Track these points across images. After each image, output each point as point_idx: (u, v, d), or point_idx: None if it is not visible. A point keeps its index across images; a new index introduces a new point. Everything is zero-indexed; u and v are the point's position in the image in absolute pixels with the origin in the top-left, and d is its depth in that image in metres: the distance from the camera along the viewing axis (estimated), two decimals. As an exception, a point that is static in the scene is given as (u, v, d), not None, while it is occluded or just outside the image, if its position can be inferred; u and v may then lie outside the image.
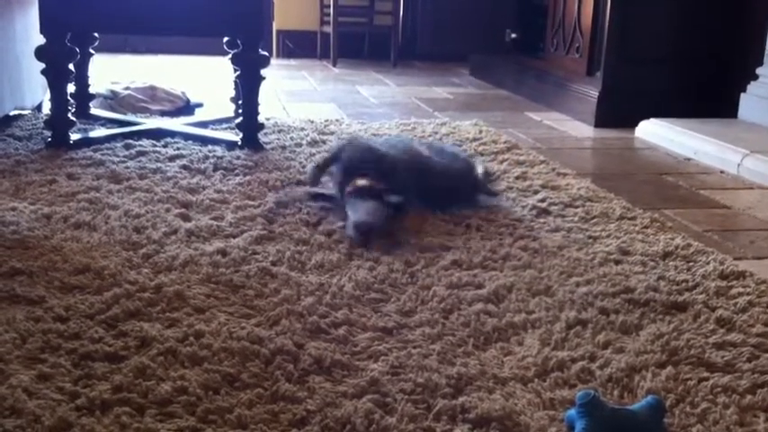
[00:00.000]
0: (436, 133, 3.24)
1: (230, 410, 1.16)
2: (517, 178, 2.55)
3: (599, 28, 3.76)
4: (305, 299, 1.54)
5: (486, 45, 5.20)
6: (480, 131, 3.31)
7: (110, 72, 4.32)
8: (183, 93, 3.61)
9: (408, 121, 3.50)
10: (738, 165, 2.89)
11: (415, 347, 1.37)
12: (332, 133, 3.14)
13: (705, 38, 3.72)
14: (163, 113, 3.37)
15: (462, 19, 5.71)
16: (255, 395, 1.20)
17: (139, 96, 3.43)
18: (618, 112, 3.65)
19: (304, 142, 2.94)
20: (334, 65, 5.61)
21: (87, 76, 3.17)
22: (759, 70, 3.48)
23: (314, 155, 2.75)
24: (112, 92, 3.44)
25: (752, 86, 3.52)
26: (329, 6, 5.59)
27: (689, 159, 3.09)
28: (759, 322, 1.52)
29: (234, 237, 1.89)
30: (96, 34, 3.11)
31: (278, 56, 6.05)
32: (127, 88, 3.51)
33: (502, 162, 2.77)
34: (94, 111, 3.21)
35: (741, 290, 1.68)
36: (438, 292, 1.60)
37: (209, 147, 2.75)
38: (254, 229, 1.94)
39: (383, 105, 4.13)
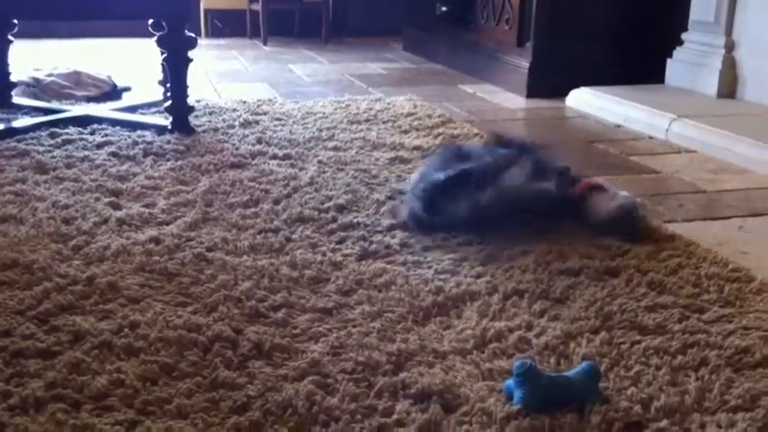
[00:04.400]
0: (371, 109, 3.22)
1: (169, 401, 1.14)
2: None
3: (527, -1, 3.79)
4: (242, 283, 1.52)
5: (418, 19, 5.19)
6: (415, 106, 3.31)
7: (31, 59, 4.18)
8: (108, 77, 3.52)
9: (342, 99, 3.48)
10: (666, 130, 2.95)
11: (354, 326, 1.37)
12: (265, 113, 3.11)
13: (633, 5, 3.78)
14: (89, 99, 3.28)
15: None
16: (194, 384, 1.19)
17: (64, 83, 3.33)
18: (549, 83, 3.69)
19: (236, 123, 2.90)
20: (265, 43, 5.53)
21: (7, 64, 3.06)
22: (684, 35, 3.55)
23: (247, 136, 2.72)
24: (35, 79, 3.33)
25: (677, 52, 3.59)
26: (257, -17, 5.51)
27: (618, 126, 3.15)
28: (688, 284, 1.56)
29: (167, 224, 1.86)
30: (15, 20, 3.00)
31: (207, 35, 5.94)
32: (50, 75, 3.40)
33: (437, 137, 2.78)
34: (17, 99, 3.11)
35: (671, 252, 1.72)
36: (377, 268, 1.60)
37: (139, 132, 2.69)
38: (187, 214, 1.91)
39: (317, 83, 4.10)
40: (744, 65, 3.30)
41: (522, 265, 1.63)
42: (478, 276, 1.58)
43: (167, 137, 2.65)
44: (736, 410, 1.14)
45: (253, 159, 2.43)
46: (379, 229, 1.86)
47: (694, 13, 3.49)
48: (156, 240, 1.73)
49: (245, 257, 1.66)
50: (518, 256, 1.68)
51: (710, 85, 3.38)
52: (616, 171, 2.51)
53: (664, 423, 1.11)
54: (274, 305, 1.44)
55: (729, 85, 3.34)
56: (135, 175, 2.22)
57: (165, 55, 2.77)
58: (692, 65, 3.50)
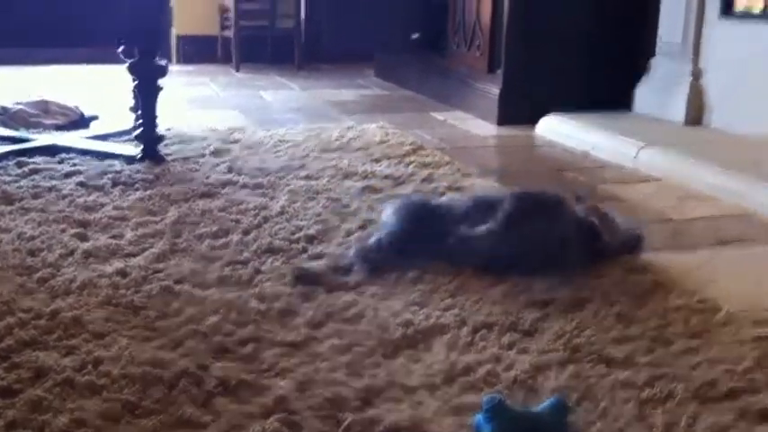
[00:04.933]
0: (342, 137, 3.23)
1: (132, 441, 1.12)
2: (423, 180, 2.57)
3: (498, 25, 3.82)
4: (209, 317, 1.51)
5: (390, 45, 5.22)
6: (386, 134, 3.32)
7: (4, 86, 4.14)
8: (76, 107, 3.48)
9: (314, 127, 3.48)
10: (634, 157, 2.99)
11: (323, 361, 1.36)
12: (236, 142, 3.10)
13: (603, 33, 3.82)
14: (57, 128, 3.25)
15: (366, 19, 5.70)
16: (158, 422, 1.17)
17: (31, 111, 3.30)
18: (519, 110, 3.71)
19: (207, 152, 2.89)
20: (237, 69, 5.53)
21: (-26, 92, 3.03)
22: (651, 62, 3.61)
23: (217, 165, 2.71)
24: (3, 107, 3.30)
25: (645, 79, 3.65)
26: (229, 10, 5.51)
27: (587, 154, 3.17)
28: (655, 315, 1.57)
29: (134, 255, 1.84)
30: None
31: (178, 61, 5.93)
32: (18, 103, 3.37)
33: (408, 165, 2.79)
34: (-16, 128, 3.08)
35: (639, 283, 1.73)
36: (347, 301, 1.60)
37: (107, 161, 2.67)
38: (155, 246, 1.89)
39: (289, 110, 4.10)
40: (711, 92, 3.35)
41: (492, 297, 1.63)
42: (447, 309, 1.58)
43: (137, 166, 2.63)
44: (703, 444, 1.14)
45: (223, 189, 2.42)
46: (350, 259, 1.85)
47: (661, 41, 3.54)
48: (123, 273, 1.71)
49: (212, 290, 1.64)
50: (488, 288, 1.68)
51: (678, 112, 3.43)
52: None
53: (631, 458, 1.11)
54: (241, 339, 1.43)
55: (696, 112, 3.39)
56: (103, 205, 2.20)
57: (136, 82, 2.75)
58: (659, 92, 3.55)
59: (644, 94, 3.65)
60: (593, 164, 3.03)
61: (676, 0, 3.41)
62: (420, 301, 1.62)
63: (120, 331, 1.45)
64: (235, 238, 1.96)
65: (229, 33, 5.59)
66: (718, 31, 3.28)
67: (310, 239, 1.97)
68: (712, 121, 3.33)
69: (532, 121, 3.63)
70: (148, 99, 2.71)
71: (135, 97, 2.97)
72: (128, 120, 3.21)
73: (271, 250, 1.89)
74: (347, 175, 2.62)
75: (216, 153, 2.89)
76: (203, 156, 2.85)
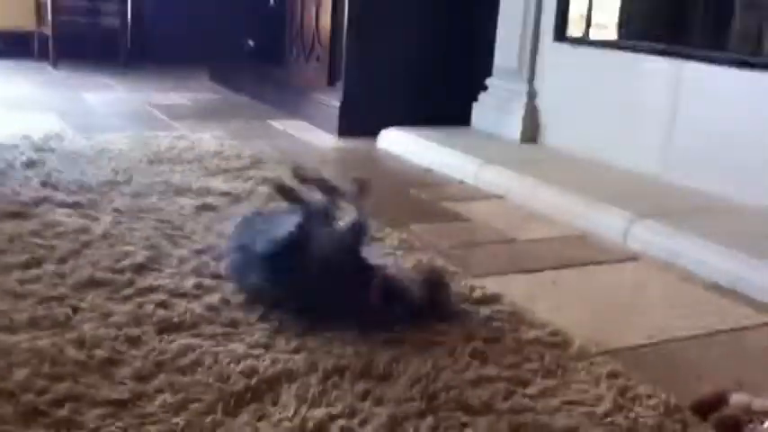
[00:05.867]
0: (173, 148, 3.01)
1: None
2: (265, 199, 2.41)
3: (338, 37, 3.73)
4: (17, 371, 1.29)
5: (225, 50, 4.99)
6: (222, 144, 3.13)
7: None
8: None
9: (142, 134, 3.23)
10: (475, 175, 2.98)
11: (153, 423, 1.19)
12: (52, 150, 2.80)
13: (442, 48, 3.82)
14: None
15: (199, 23, 5.42)
16: None
17: None
18: (360, 122, 3.64)
19: (18, 163, 2.59)
20: (55, 66, 5.10)
21: None
22: (488, 81, 3.64)
23: (30, 179, 2.42)
24: None
25: (483, 96, 3.68)
26: (46, 4, 5.08)
27: (429, 170, 3.14)
28: (510, 351, 1.52)
29: (-75, 293, 1.57)
30: None
31: (-11, 56, 5.40)
32: None
33: (247, 180, 2.62)
34: None
35: (490, 314, 1.68)
36: (182, 345, 1.43)
37: None
38: (-49, 280, 1.62)
39: (113, 114, 3.81)
40: (544, 112, 3.42)
41: (342, 336, 1.51)
42: (296, 351, 1.44)
43: (-68, 179, 2.30)
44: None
45: (36, 207, 2.15)
46: (183, 291, 1.67)
47: (498, 60, 3.58)
48: None
49: (22, 335, 1.42)
50: (338, 325, 1.56)
51: (514, 129, 3.47)
52: (431, 219, 2.48)
53: None
54: (56, 399, 1.22)
55: (531, 131, 3.45)
56: None
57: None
58: (496, 110, 3.58)
59: (482, 112, 3.68)
60: (435, 180, 3.00)
61: (513, 24, 3.45)
62: (264, 342, 1.47)
63: None
64: (49, 268, 1.72)
65: (48, 30, 5.15)
66: (552, 54, 3.35)
67: (138, 269, 1.77)
68: (546, 138, 3.40)
69: (374, 133, 3.57)
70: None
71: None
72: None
73: (92, 283, 1.67)
74: (179, 192, 2.42)
75: (28, 164, 2.59)
76: (13, 168, 2.55)
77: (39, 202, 2.20)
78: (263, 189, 2.50)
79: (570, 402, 1.35)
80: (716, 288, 2.00)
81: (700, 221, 2.31)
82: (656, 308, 1.89)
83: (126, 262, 1.79)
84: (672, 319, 1.79)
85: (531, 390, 1.38)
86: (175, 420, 1.19)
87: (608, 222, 2.40)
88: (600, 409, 1.32)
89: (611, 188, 2.69)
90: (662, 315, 1.82)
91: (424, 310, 1.60)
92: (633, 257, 2.21)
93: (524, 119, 3.44)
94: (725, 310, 1.87)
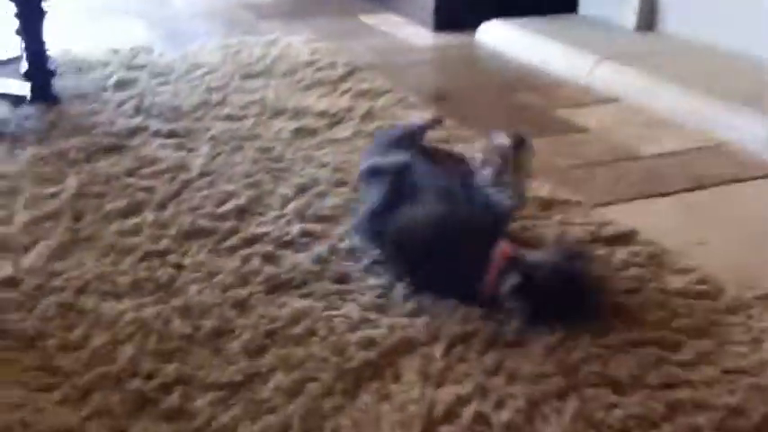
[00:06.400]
0: (265, 57, 2.85)
1: None
2: (363, 118, 2.25)
3: None
4: (122, 350, 1.21)
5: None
6: (314, 51, 2.95)
7: None
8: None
9: (232, 43, 3.08)
10: (589, 73, 2.72)
11: (269, 412, 1.10)
12: (142, 68, 2.68)
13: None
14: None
15: None
16: None
17: None
18: (458, 13, 3.37)
19: (109, 85, 2.48)
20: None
21: None
22: (599, -39, 3.29)
23: (123, 103, 2.32)
24: None
25: (592, -21, 3.34)
26: None
27: (536, 68, 2.89)
28: (655, 305, 1.35)
29: (27, 250, 1.50)
30: None
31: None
32: None
33: (343, 94, 2.46)
34: None
35: (627, 257, 1.51)
36: (293, 310, 1.32)
37: (-11, 106, 2.26)
38: (51, 235, 1.55)
39: (199, 16, 3.65)
40: (664, -7, 3.08)
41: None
42: (414, 314, 1.32)
43: (26, 110, 2.23)
44: None
45: (131, 139, 2.06)
46: (289, 239, 1.56)
47: (611, -64, 3.22)
48: (12, 282, 1.38)
49: (125, 303, 1.34)
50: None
51: (628, 15, 3.15)
52: (540, 130, 2.26)
53: None
54: (165, 383, 1.14)
55: (649, 16, 3.12)
56: (-17, 172, 1.83)
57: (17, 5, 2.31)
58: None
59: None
60: (545, 80, 2.75)
61: None
62: (379, 303, 1.35)
63: (4, 377, 1.15)
64: (149, 216, 1.64)
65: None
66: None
67: (241, 213, 1.66)
68: (667, 25, 3.07)
69: (473, 26, 3.31)
70: (33, 28, 2.28)
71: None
72: (14, 45, 2.75)
73: (194, 233, 1.58)
74: (275, 113, 2.28)
75: (119, 85, 2.49)
76: (105, 90, 2.45)
77: (133, 132, 2.10)
78: (362, 106, 2.33)
79: (728, 372, 1.18)
80: None
81: None
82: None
83: (228, 206, 1.69)
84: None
85: (683, 355, 1.22)
86: (292, 408, 1.10)
87: (745, 128, 2.14)
88: (765, 381, 1.16)
89: (744, 85, 2.40)
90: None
91: (557, 308, 1.27)
92: (778, 172, 1.97)
93: (641, 2, 3.11)
94: None
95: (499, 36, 3.20)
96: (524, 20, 3.22)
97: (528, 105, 2.50)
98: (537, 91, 2.63)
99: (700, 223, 1.72)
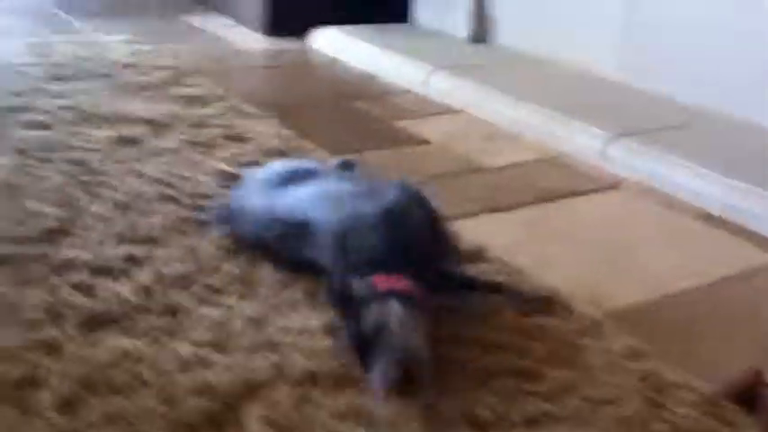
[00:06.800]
0: (79, 57, 2.61)
1: None
2: (192, 127, 2.07)
3: None
4: None
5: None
6: (135, 52, 2.72)
7: None
8: None
9: (42, 41, 2.78)
10: (424, 82, 2.68)
11: (86, 481, 0.91)
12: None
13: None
14: None
15: None
16: None
17: None
18: (290, 18, 3.26)
19: None
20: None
21: None
22: (431, -30, 3.29)
23: None
24: None
25: (424, -11, 3.33)
26: None
27: (373, 77, 2.82)
28: (509, 330, 1.28)
29: None
30: None
31: None
32: None
33: (170, 100, 2.26)
34: None
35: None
36: (112, 349, 1.14)
37: None
38: None
39: (8, 12, 3.30)
40: (495, 4, 3.10)
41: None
42: (254, 350, 1.17)
43: None
44: None
45: None
46: (109, 264, 1.37)
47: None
48: None
49: None
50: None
51: (460, 27, 3.16)
52: (381, 142, 2.20)
53: None
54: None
55: (481, 28, 3.14)
56: None
57: None
58: (439, 3, 3.25)
59: (424, 6, 3.33)
60: (381, 89, 2.68)
61: None
62: (212, 339, 1.19)
63: None
64: None
65: None
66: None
67: (50, 235, 1.44)
68: (498, 37, 3.10)
69: (303, 31, 3.20)
70: None
71: None
72: None
73: (-9, 260, 1.35)
74: (91, 120, 2.05)
75: None
76: None
77: None
78: (191, 113, 2.15)
79: (594, 401, 1.13)
80: (708, 219, 1.81)
81: (681, 139, 2.10)
82: (650, 249, 1.68)
83: (34, 227, 1.46)
84: (672, 262, 1.59)
85: (543, 386, 1.15)
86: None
87: (579, 140, 2.16)
88: (628, 411, 1.11)
89: (577, 97, 2.44)
90: (660, 258, 1.62)
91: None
92: (614, 184, 1.99)
93: (472, 14, 3.13)
94: (725, 248, 1.68)
95: (333, 43, 3.11)
96: (357, 27, 3.16)
97: (367, 116, 2.42)
98: (374, 101, 2.56)
99: (543, 239, 1.69)
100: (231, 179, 1.70)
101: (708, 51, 2.32)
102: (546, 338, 1.27)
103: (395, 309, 1.08)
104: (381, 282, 1.12)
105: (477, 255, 1.52)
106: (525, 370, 1.18)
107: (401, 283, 1.13)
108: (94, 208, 1.56)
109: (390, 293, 1.11)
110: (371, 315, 1.08)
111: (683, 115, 2.31)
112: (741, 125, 2.20)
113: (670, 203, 1.88)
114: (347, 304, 1.12)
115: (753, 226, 1.75)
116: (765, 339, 1.34)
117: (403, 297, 1.10)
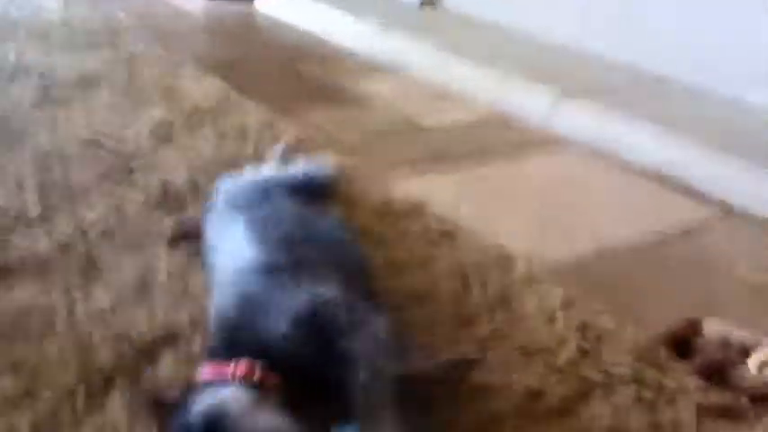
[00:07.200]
0: (7, 14, 2.48)
1: None
2: (127, 82, 1.99)
3: None
4: None
5: None
6: (67, 9, 2.61)
7: None
8: None
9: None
10: (372, 43, 2.62)
11: (-15, 431, 0.85)
12: None
13: None
14: None
15: None
16: None
17: None
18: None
19: None
20: None
21: None
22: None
23: None
24: None
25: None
26: None
27: (318, 38, 2.75)
28: (447, 275, 1.25)
29: None
30: None
31: None
32: None
33: (103, 59, 2.17)
34: None
35: (421, 230, 1.39)
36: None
37: None
38: None
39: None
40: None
41: None
42: (179, 299, 1.12)
43: None
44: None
45: None
46: (25, 215, 1.30)
47: None
48: None
49: None
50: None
51: (410, -10, 3.10)
52: (325, 102, 2.14)
53: None
54: None
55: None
56: None
57: None
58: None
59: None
60: (327, 51, 2.62)
61: None
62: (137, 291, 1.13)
63: None
64: None
65: None
66: None
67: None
68: (446, 1, 3.05)
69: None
70: None
71: None
72: None
73: None
74: (16, 76, 1.95)
75: None
76: None
77: None
78: (124, 70, 2.07)
79: (526, 350, 1.10)
80: (651, 177, 1.79)
81: (626, 101, 2.08)
82: (592, 206, 1.65)
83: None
84: (614, 219, 1.57)
85: (480, 330, 1.12)
86: (20, 418, 0.86)
87: (527, 101, 2.13)
88: (563, 359, 1.08)
89: (525, 60, 2.40)
90: (603, 215, 1.60)
91: None
92: (558, 144, 1.96)
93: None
94: (667, 205, 1.67)
95: (278, 4, 3.03)
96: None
97: (311, 75, 2.35)
98: (320, 61, 2.50)
99: (486, 196, 1.65)
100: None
101: (662, 19, 2.30)
102: (486, 288, 1.24)
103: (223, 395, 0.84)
104: (209, 371, 0.88)
105: (419, 210, 1.48)
106: (462, 315, 1.15)
107: (239, 368, 0.88)
108: (15, 160, 1.48)
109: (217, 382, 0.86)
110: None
111: (631, 78, 2.29)
112: (690, 90, 2.19)
113: (613, 162, 1.86)
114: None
115: (695, 184, 1.74)
116: (703, 293, 1.33)
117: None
